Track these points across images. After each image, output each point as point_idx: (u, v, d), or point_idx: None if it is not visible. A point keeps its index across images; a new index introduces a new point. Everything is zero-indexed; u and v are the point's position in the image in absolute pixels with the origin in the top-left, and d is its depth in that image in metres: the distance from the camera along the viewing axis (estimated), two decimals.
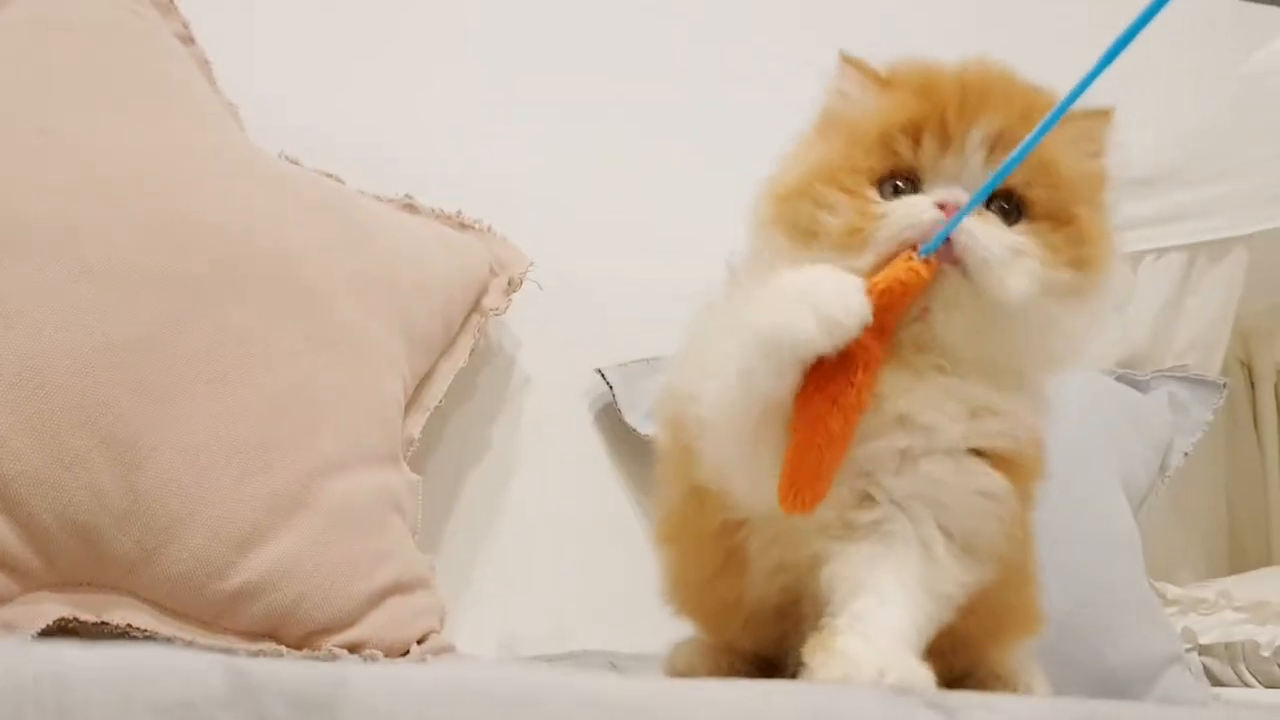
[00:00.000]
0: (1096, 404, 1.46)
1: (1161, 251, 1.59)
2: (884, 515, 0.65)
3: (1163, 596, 1.53)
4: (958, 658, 0.73)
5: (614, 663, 1.17)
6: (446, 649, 0.99)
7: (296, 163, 1.20)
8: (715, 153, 1.54)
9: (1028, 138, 0.61)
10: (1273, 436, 1.85)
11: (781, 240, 0.68)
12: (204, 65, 1.20)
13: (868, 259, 0.64)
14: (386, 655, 0.94)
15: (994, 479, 0.65)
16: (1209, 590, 1.52)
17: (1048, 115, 0.60)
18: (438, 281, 1.17)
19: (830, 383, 0.62)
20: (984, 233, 0.63)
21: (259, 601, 0.91)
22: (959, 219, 0.63)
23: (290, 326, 0.99)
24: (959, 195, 0.64)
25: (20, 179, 0.93)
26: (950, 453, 0.65)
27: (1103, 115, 0.71)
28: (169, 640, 0.89)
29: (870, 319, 0.61)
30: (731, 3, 1.62)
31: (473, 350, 1.23)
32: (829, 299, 0.61)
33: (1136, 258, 1.60)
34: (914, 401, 0.64)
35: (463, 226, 1.28)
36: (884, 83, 0.69)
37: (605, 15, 1.53)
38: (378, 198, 1.23)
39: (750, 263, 0.70)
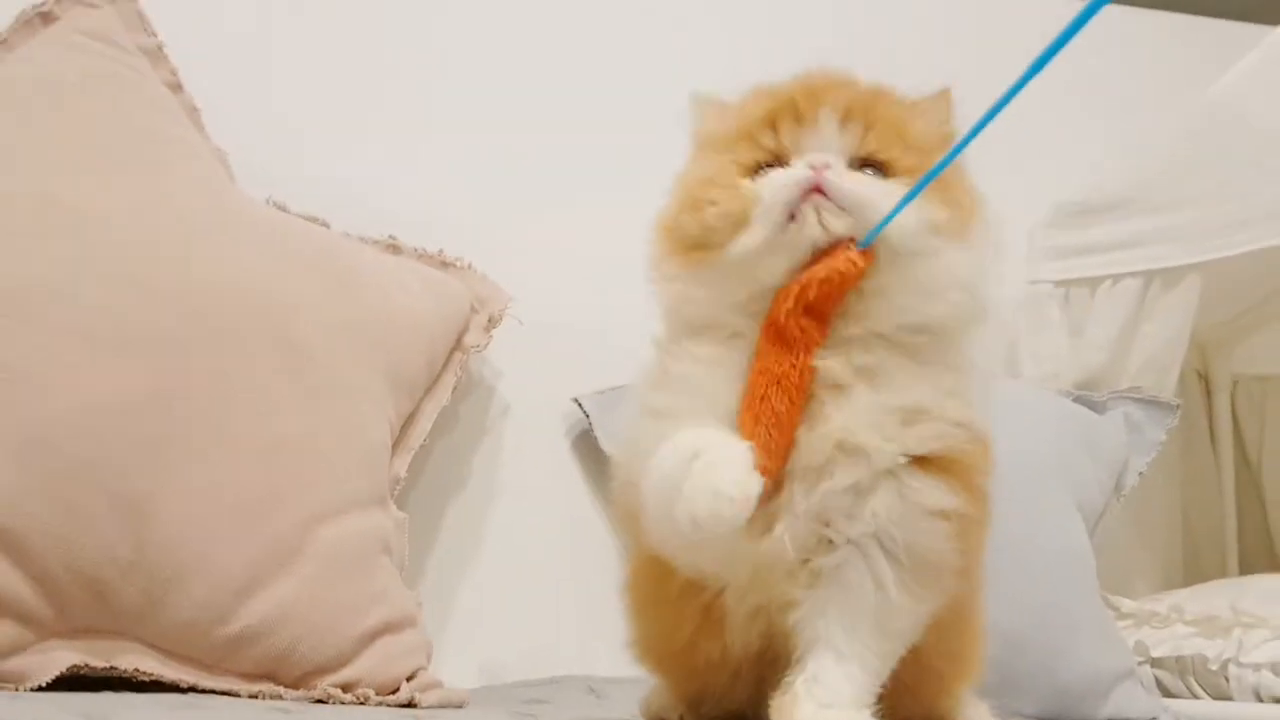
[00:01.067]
0: (1053, 425, 1.51)
1: (1118, 277, 1.63)
2: (842, 558, 0.68)
3: (1117, 610, 1.58)
4: (909, 707, 0.77)
5: (592, 687, 1.22)
6: (434, 685, 1.04)
7: (284, 208, 1.24)
8: None
9: (946, 157, 0.66)
10: (1228, 447, 1.90)
11: (678, 268, 0.71)
12: (193, 113, 1.24)
13: (758, 234, 0.68)
14: (378, 694, 0.99)
15: (940, 493, 0.68)
16: (1161, 604, 1.57)
17: (974, 125, 0.64)
18: (421, 323, 1.21)
19: (774, 365, 0.67)
20: (860, 182, 0.68)
21: (258, 645, 0.96)
22: (893, 215, 0.66)
23: (283, 380, 1.04)
24: (826, 158, 0.69)
25: (23, 245, 0.98)
26: (893, 473, 0.67)
27: (943, 96, 0.77)
28: (175, 684, 0.94)
29: (757, 495, 0.64)
30: (708, 49, 1.66)
31: (455, 386, 1.28)
32: (721, 484, 0.63)
33: (1094, 283, 1.64)
34: (849, 422, 0.67)
35: (444, 265, 1.33)
36: (736, 105, 0.75)
37: (576, 60, 1.58)
38: (362, 239, 1.28)
39: (665, 332, 0.74)
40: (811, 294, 0.67)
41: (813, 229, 0.67)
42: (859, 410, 0.67)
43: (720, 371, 0.70)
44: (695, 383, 0.70)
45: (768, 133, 0.71)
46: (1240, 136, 1.53)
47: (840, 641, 0.68)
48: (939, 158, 0.67)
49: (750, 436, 0.66)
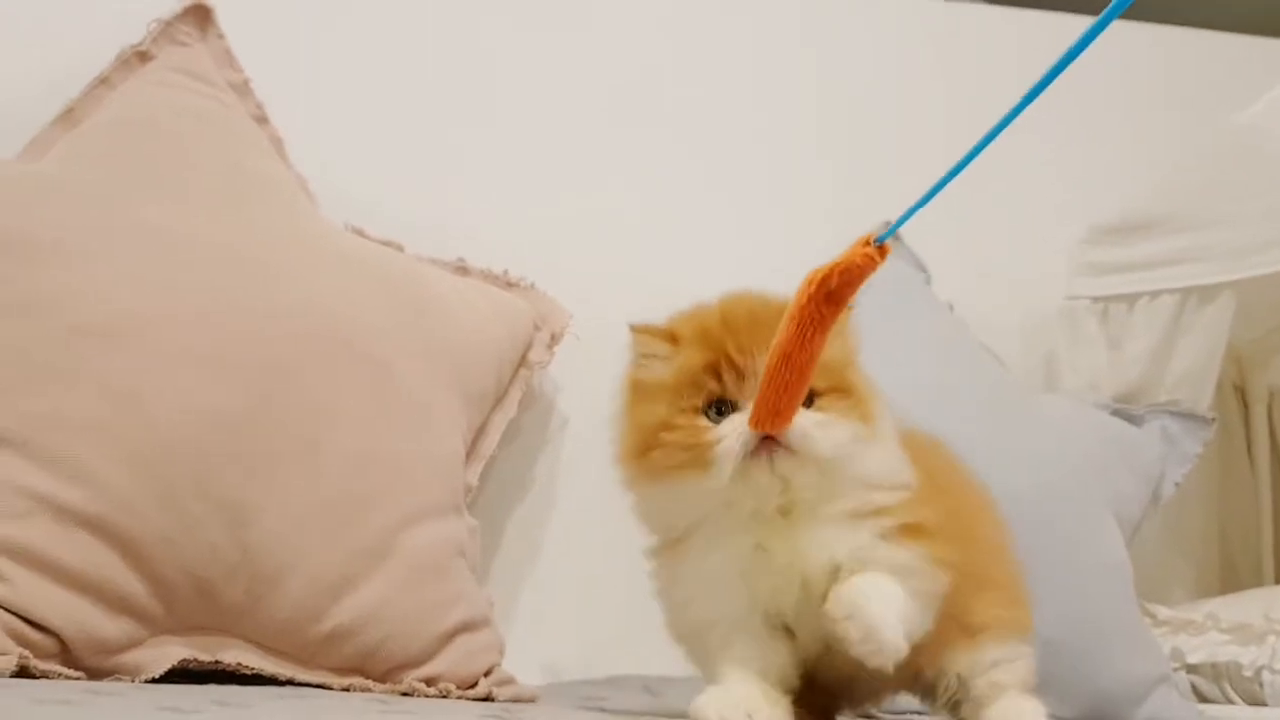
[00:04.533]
0: (1091, 437, 1.55)
1: (1155, 294, 1.67)
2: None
3: (1153, 617, 1.62)
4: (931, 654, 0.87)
5: (648, 686, 1.28)
6: (508, 681, 1.11)
7: (362, 233, 1.32)
8: (738, 201, 1.66)
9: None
10: (1265, 458, 1.91)
11: (649, 490, 0.85)
12: (277, 143, 1.32)
13: (724, 473, 0.79)
14: (459, 687, 1.06)
15: (902, 553, 0.80)
16: (1197, 612, 1.61)
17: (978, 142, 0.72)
18: (490, 341, 1.29)
19: (787, 342, 0.75)
20: (802, 422, 0.79)
21: (350, 642, 1.04)
22: (911, 213, 0.75)
23: (366, 396, 1.11)
24: None
25: (131, 272, 1.06)
26: (865, 564, 0.80)
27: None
28: (274, 677, 1.01)
29: None
30: (769, 69, 1.72)
31: (519, 400, 1.35)
32: None
33: (1132, 299, 1.68)
34: (810, 551, 0.80)
35: (509, 285, 1.40)
36: (672, 338, 0.85)
37: (638, 77, 1.65)
38: (434, 261, 1.36)
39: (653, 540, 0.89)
40: (834, 283, 0.74)
41: (769, 481, 0.79)
42: (814, 539, 0.81)
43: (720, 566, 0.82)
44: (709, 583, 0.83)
45: (710, 379, 0.82)
46: (1274, 156, 1.57)
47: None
48: (850, 374, 0.83)
49: (762, 400, 0.77)
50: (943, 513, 0.84)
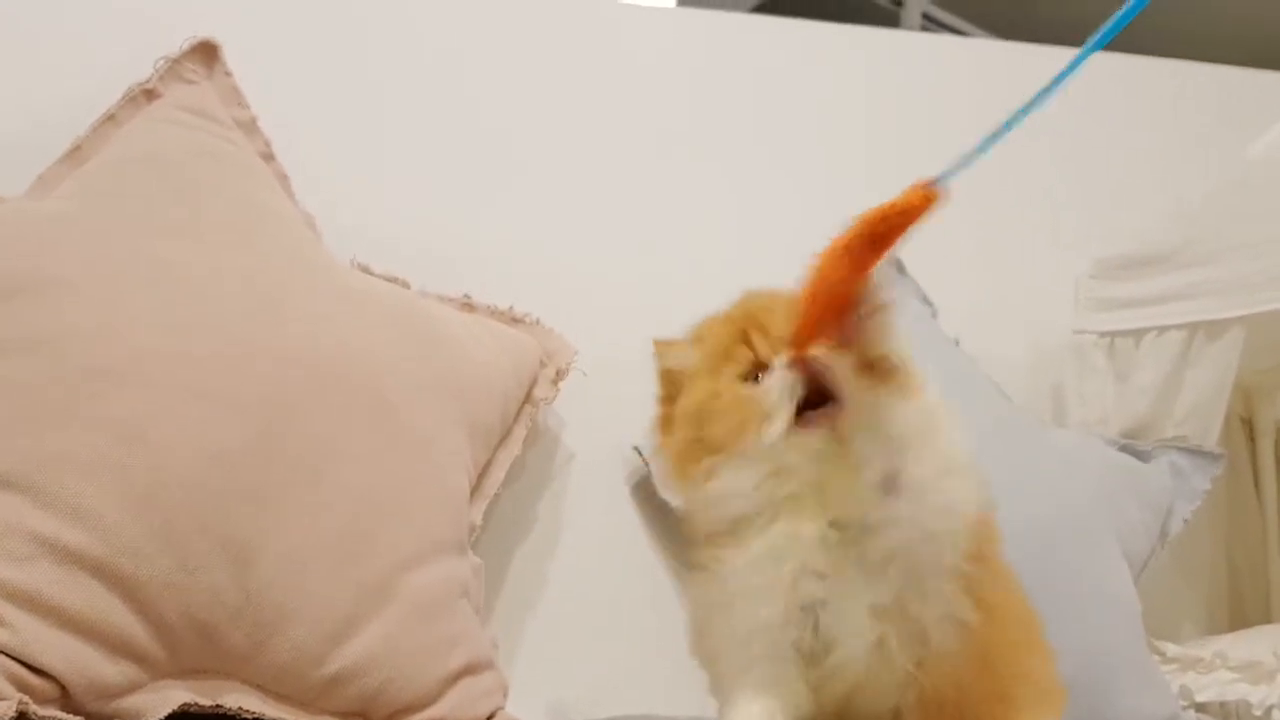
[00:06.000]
0: (1099, 472, 1.55)
1: (1163, 329, 1.67)
2: None
3: (1162, 655, 1.61)
4: None
5: None
6: None
7: (368, 269, 1.32)
8: (742, 236, 1.66)
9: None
10: (1272, 492, 1.91)
11: (704, 476, 0.83)
12: (284, 180, 1.32)
13: (779, 422, 0.79)
14: None
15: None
16: (1206, 650, 1.60)
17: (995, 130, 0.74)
18: (496, 378, 1.28)
19: (829, 275, 0.76)
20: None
21: (352, 686, 1.03)
22: (967, 162, 0.75)
23: (371, 433, 1.11)
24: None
25: (140, 308, 1.06)
26: None
27: None
28: None
29: None
30: (777, 92, 1.73)
31: (524, 438, 1.35)
32: None
33: (1139, 334, 1.68)
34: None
35: (514, 321, 1.40)
36: (695, 339, 0.88)
37: (644, 112, 1.66)
38: (439, 297, 1.36)
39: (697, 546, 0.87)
40: (882, 225, 0.75)
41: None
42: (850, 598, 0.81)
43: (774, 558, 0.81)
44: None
45: (743, 347, 0.84)
46: None
47: None
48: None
49: (800, 330, 0.79)
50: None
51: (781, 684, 0.82)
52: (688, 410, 0.85)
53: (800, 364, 0.80)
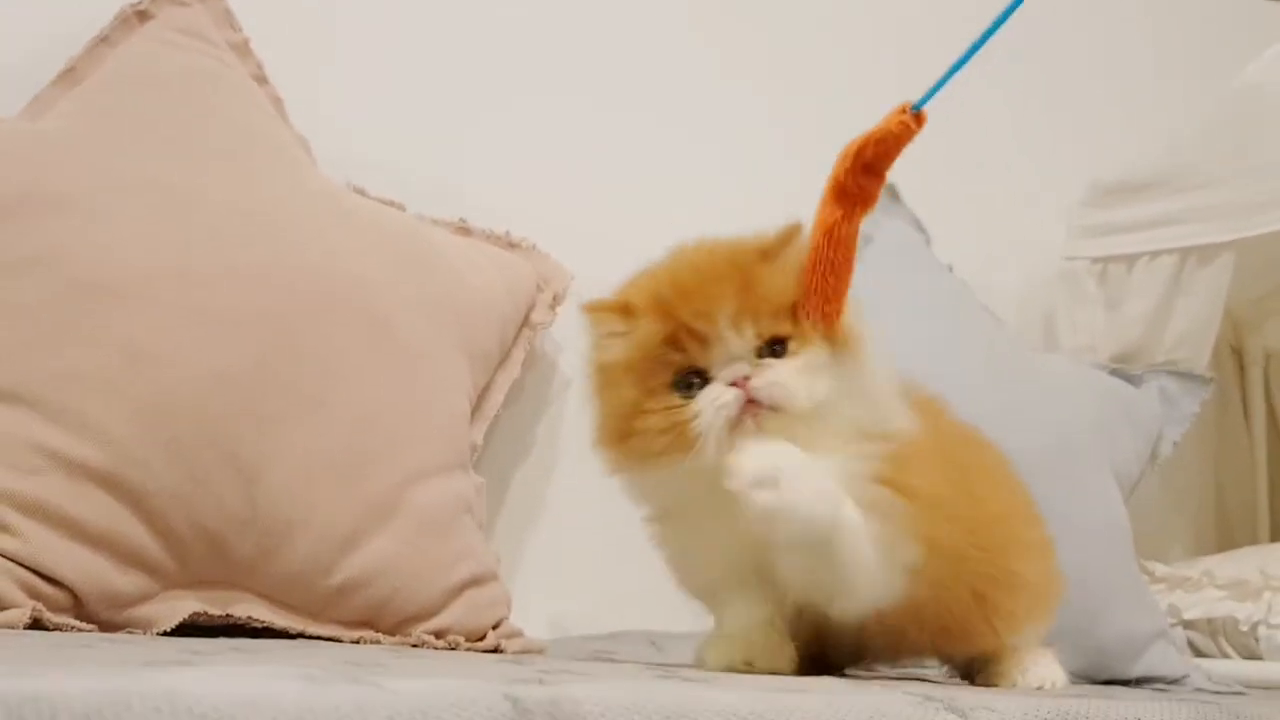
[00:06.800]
0: (1090, 396, 1.56)
1: (1154, 254, 1.67)
2: None
3: (1151, 574, 1.64)
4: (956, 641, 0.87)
5: (653, 640, 1.30)
6: (516, 634, 1.12)
7: (363, 192, 1.32)
8: (736, 160, 1.66)
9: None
10: (1260, 420, 1.94)
11: (635, 472, 0.82)
12: (277, 103, 1.31)
13: (710, 449, 0.75)
14: (467, 640, 1.08)
15: (876, 491, 0.77)
16: (1194, 569, 1.63)
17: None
18: (494, 301, 1.29)
19: (828, 217, 0.75)
20: (776, 376, 0.76)
21: (359, 595, 1.05)
22: (940, 86, 0.74)
23: (371, 354, 1.12)
24: (741, 369, 0.77)
25: (141, 229, 1.06)
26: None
27: (793, 232, 0.82)
28: (285, 630, 1.02)
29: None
30: (767, 31, 1.72)
31: (522, 360, 1.36)
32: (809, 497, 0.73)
33: (1131, 260, 1.69)
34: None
35: (511, 245, 1.40)
36: (626, 310, 0.81)
37: (640, 44, 1.64)
38: (435, 221, 1.36)
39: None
40: (869, 154, 0.74)
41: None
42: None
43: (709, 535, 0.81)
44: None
45: (673, 352, 0.78)
46: (1274, 117, 1.57)
47: None
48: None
49: (809, 281, 0.76)
50: (949, 484, 0.81)
51: (765, 607, 0.82)
52: (614, 413, 0.81)
53: (741, 385, 0.76)
